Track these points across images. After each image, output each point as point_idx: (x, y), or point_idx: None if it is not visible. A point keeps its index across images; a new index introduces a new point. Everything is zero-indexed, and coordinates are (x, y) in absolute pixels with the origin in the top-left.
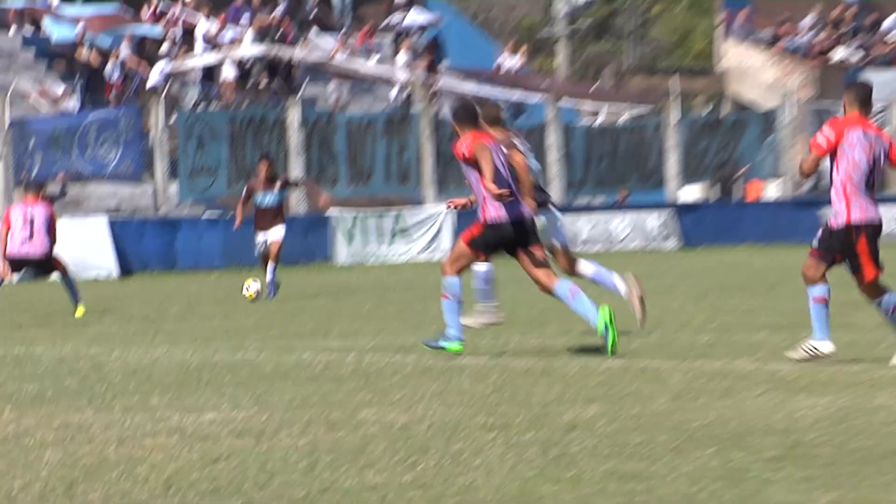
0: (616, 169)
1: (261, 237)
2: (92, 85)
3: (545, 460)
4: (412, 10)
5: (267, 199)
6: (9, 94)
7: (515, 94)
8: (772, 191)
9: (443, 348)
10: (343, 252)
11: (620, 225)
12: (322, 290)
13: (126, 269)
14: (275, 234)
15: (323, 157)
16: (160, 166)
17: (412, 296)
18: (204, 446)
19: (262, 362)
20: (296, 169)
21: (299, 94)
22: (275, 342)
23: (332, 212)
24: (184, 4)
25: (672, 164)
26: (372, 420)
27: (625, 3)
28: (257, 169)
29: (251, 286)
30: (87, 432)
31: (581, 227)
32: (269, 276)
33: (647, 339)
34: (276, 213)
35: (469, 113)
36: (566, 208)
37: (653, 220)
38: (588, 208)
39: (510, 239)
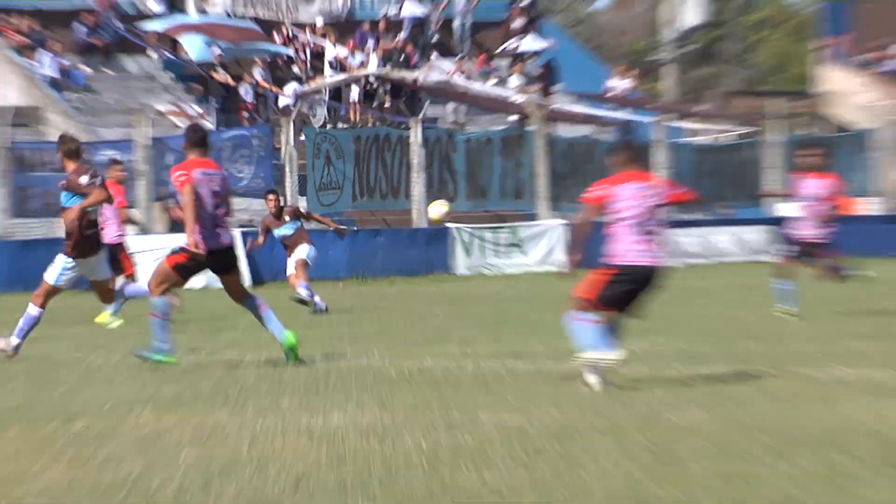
0: (720, 186)
1: (289, 261)
2: (227, 105)
3: (653, 461)
4: (528, 37)
5: (283, 231)
6: (151, 114)
7: (625, 115)
8: (866, 207)
9: (157, 361)
10: (462, 263)
11: (722, 239)
12: (442, 300)
13: (258, 278)
14: (300, 253)
15: (443, 173)
16: (290, 182)
17: (527, 306)
18: (331, 446)
19: (386, 367)
20: (417, 185)
21: (421, 114)
22: (397, 348)
23: (452, 225)
24: (312, 32)
25: (772, 181)
26: (490, 422)
27: (728, 29)
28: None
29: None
30: (222, 432)
31: (686, 242)
32: (306, 293)
33: (753, 347)
34: (297, 238)
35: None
36: (675, 223)
37: (753, 235)
38: (692, 223)
39: (211, 265)
